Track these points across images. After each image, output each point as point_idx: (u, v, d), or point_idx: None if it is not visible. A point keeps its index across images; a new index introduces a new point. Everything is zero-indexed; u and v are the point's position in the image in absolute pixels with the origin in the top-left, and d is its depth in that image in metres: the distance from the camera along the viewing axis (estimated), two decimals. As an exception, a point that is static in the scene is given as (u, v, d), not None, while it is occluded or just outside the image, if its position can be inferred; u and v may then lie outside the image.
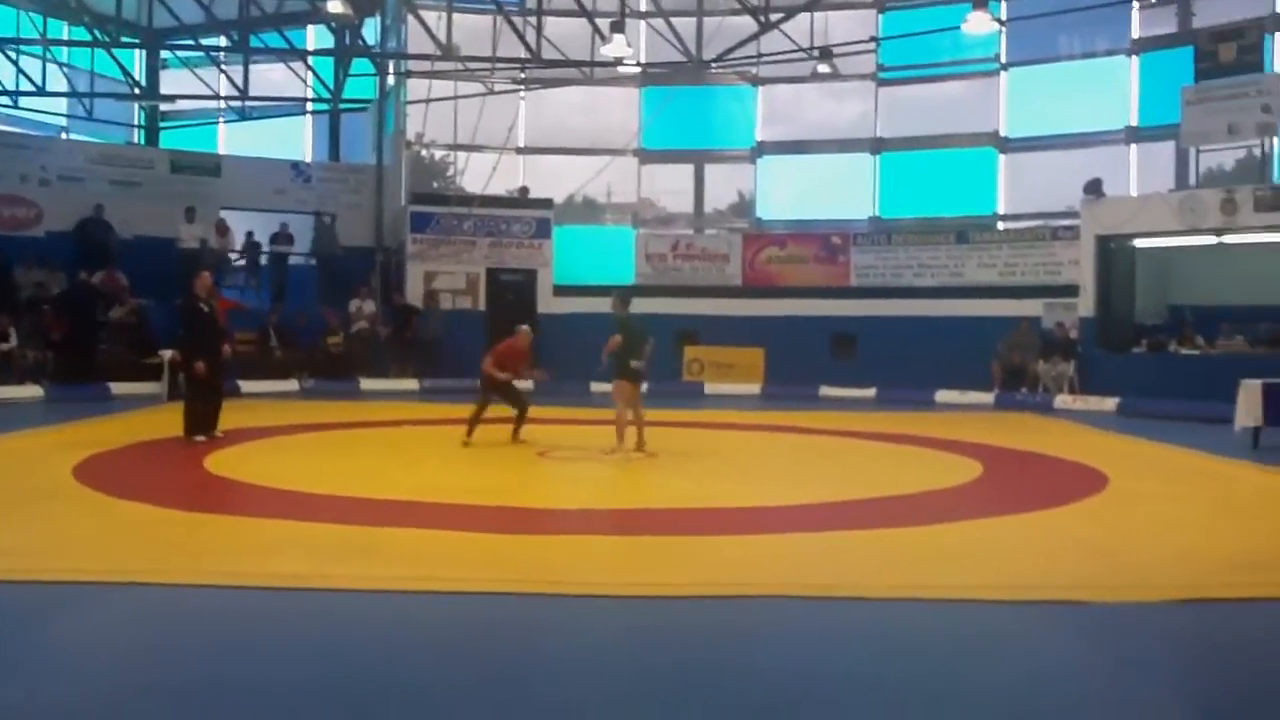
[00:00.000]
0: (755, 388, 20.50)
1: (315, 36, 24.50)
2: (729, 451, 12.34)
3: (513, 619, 5.23)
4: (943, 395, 18.76)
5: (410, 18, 22.00)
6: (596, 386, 16.80)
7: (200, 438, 11.51)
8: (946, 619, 5.35)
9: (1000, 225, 22.47)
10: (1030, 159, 22.91)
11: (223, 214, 21.68)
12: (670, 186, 25.53)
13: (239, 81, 23.32)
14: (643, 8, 23.26)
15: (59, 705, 4.04)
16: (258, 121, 25.31)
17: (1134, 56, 21.38)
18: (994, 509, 8.20)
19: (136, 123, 25.30)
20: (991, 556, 6.69)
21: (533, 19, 21.17)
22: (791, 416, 15.78)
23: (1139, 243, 19.17)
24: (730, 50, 21.42)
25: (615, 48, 19.26)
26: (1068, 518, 8.02)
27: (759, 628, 5.17)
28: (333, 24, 22.69)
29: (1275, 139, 18.36)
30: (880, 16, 23.50)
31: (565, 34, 21.68)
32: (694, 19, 23.26)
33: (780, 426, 14.78)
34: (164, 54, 24.53)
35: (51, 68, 22.60)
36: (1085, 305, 19.02)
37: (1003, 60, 22.70)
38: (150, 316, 18.72)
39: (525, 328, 12.57)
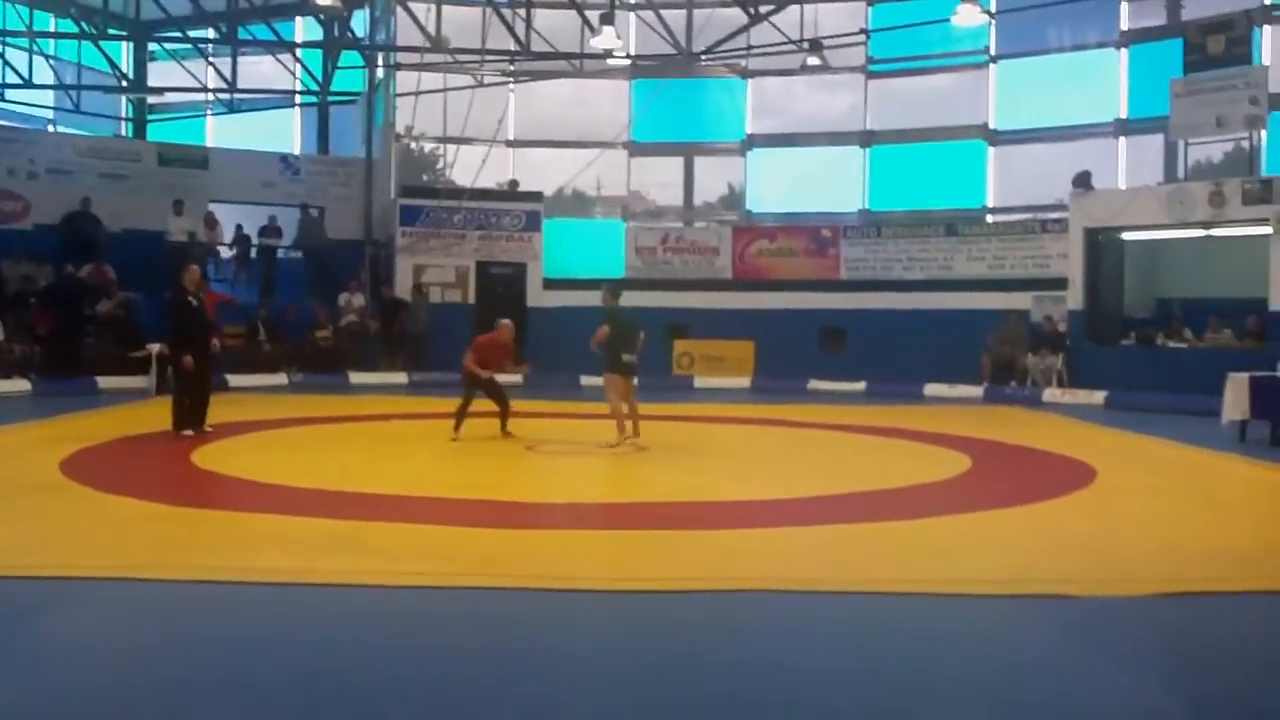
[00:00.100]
0: (745, 381, 20.51)
1: (304, 28, 24.42)
2: (718, 445, 12.35)
3: (501, 614, 5.22)
4: (932, 389, 18.81)
5: (399, 10, 21.96)
6: (586, 380, 16.83)
7: (188, 432, 11.48)
8: (934, 613, 5.36)
9: (989, 218, 22.50)
10: (1019, 151, 22.93)
11: (211, 207, 21.60)
12: (660, 179, 25.52)
13: (227, 74, 23.27)
14: (632, 0, 23.23)
15: (47, 701, 4.03)
16: (246, 114, 25.25)
17: (1123, 49, 21.42)
18: (982, 503, 8.22)
19: (124, 115, 25.22)
20: (980, 550, 6.71)
21: (522, 11, 21.11)
22: (781, 410, 15.79)
23: (1127, 235, 19.21)
24: (720, 42, 21.40)
25: (605, 40, 19.24)
26: (1056, 511, 8.04)
27: (747, 622, 5.18)
28: (321, 16, 22.63)
29: (1263, 131, 18.40)
30: (870, 9, 23.46)
31: (554, 26, 21.63)
32: (683, 11, 23.24)
33: (770, 420, 14.79)
34: (151, 46, 24.42)
35: (38, 60, 22.53)
36: (1074, 298, 19.06)
37: (992, 53, 22.71)
38: (138, 310, 18.66)
39: (507, 322, 12.48)
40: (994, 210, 22.76)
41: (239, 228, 22.03)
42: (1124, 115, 21.46)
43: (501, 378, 12.40)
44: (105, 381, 16.92)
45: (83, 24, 22.45)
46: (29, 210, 20.36)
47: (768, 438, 13.46)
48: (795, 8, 21.28)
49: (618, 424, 11.14)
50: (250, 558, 6.23)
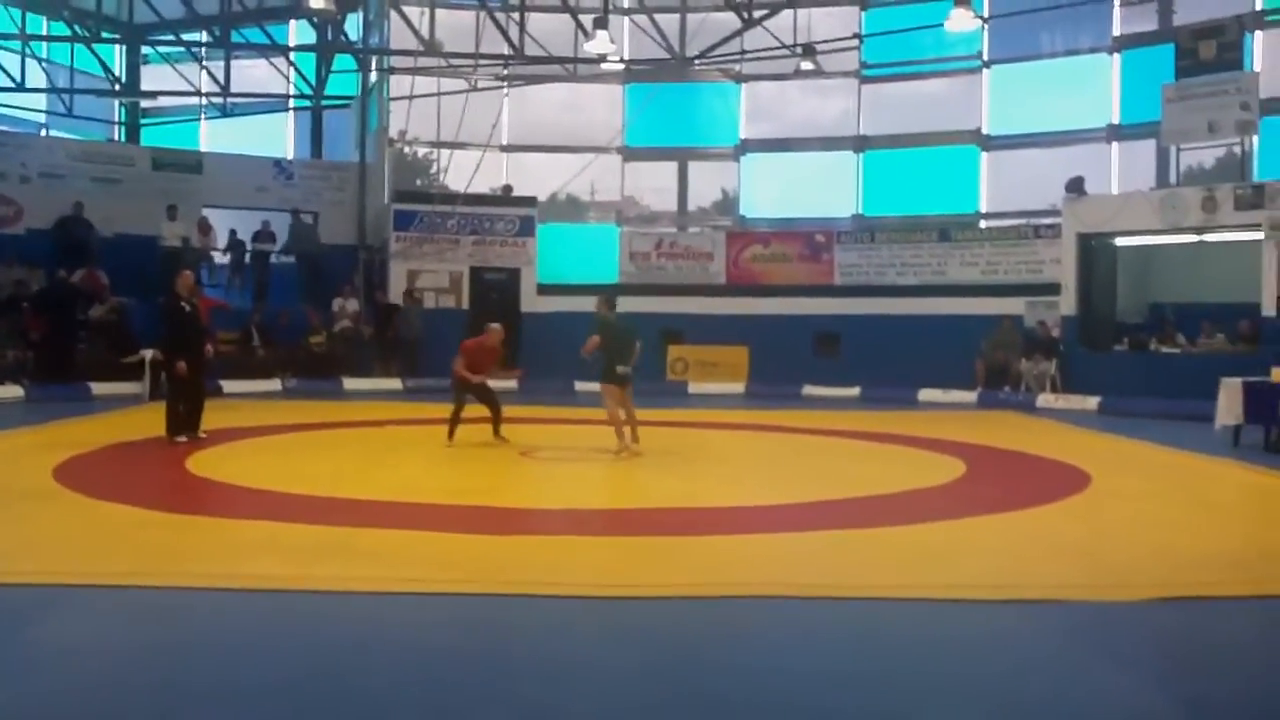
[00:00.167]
0: (739, 387, 20.51)
1: (297, 32, 24.40)
2: (713, 451, 12.34)
3: (496, 620, 5.21)
4: (926, 394, 18.81)
5: (393, 13, 21.95)
6: (580, 385, 16.81)
7: (182, 438, 11.44)
8: (929, 618, 5.36)
9: (982, 223, 22.54)
10: (1012, 157, 22.99)
11: (205, 212, 21.54)
12: (654, 184, 25.53)
13: (221, 78, 23.23)
14: (626, 4, 23.26)
15: (39, 707, 4.01)
16: (240, 118, 25.18)
17: (1115, 54, 21.48)
18: (977, 508, 8.23)
19: (117, 119, 25.15)
20: (974, 555, 6.71)
21: (516, 15, 21.10)
22: (776, 415, 15.79)
23: (1120, 241, 19.25)
24: (714, 47, 21.43)
25: (599, 44, 19.22)
26: (1050, 517, 8.06)
27: (742, 627, 5.17)
28: (315, 19, 22.59)
29: (1255, 137, 18.47)
30: (863, 14, 23.53)
31: (548, 30, 21.64)
32: (677, 15, 23.25)
33: (764, 426, 14.80)
34: (145, 50, 24.34)
35: (31, 63, 22.44)
36: (1067, 304, 19.09)
37: (985, 58, 22.77)
38: (131, 315, 18.60)
39: (496, 326, 12.46)
40: (987, 215, 22.80)
41: (233, 233, 21.98)
42: (1116, 120, 21.51)
43: (494, 383, 12.39)
44: (98, 387, 16.85)
45: (75, 27, 22.41)
46: (21, 215, 20.27)
47: (762, 443, 13.47)
48: (789, 12, 21.32)
49: (616, 431, 11.13)
50: (243, 564, 6.21)
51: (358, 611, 5.31)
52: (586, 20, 19.69)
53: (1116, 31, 21.46)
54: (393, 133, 23.81)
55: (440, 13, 21.30)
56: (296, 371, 19.56)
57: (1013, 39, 22.37)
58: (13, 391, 16.18)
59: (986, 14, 21.94)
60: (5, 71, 21.79)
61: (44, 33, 22.69)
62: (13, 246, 19.36)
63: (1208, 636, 5.19)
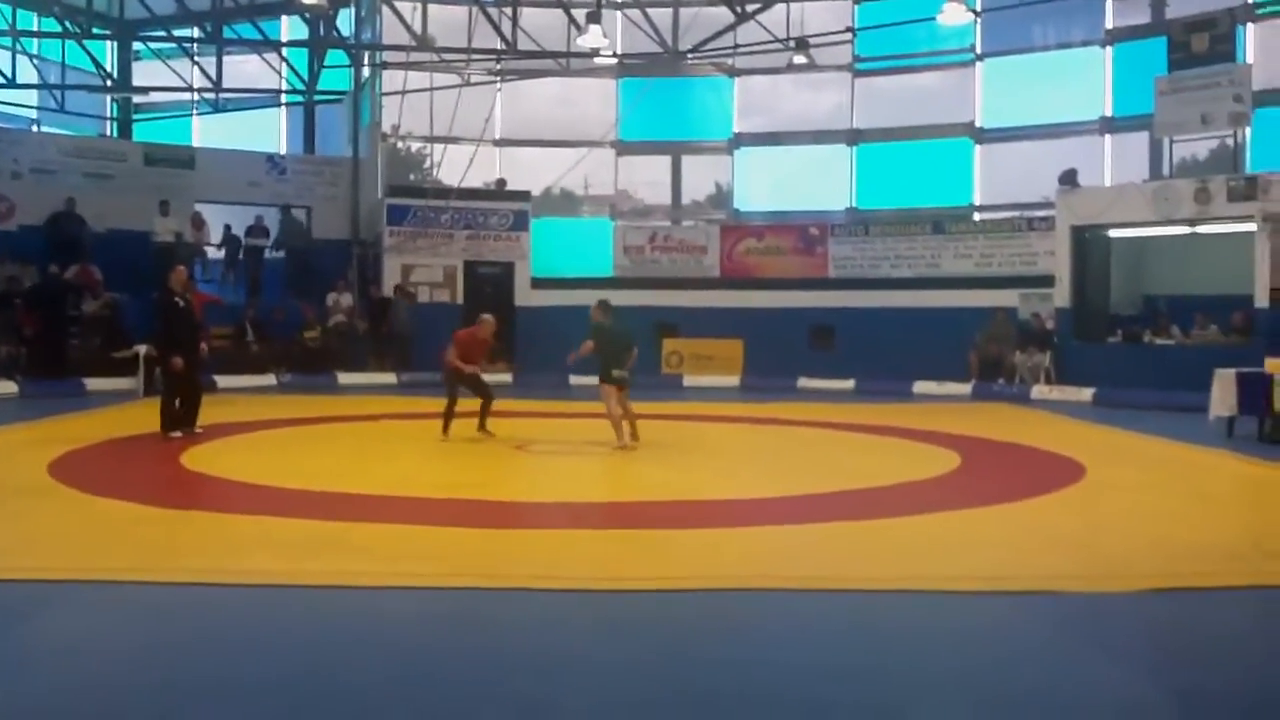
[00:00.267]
0: (734, 380, 20.50)
1: (289, 27, 24.34)
2: (707, 444, 12.36)
3: (490, 614, 5.21)
4: (920, 386, 18.83)
5: (385, 8, 21.92)
6: (575, 379, 16.81)
7: (177, 433, 11.44)
8: (924, 609, 5.38)
9: (976, 216, 22.56)
10: (1005, 149, 22.99)
11: (198, 207, 21.49)
12: (648, 178, 25.48)
13: (212, 73, 23.18)
14: (618, -1, 23.23)
15: (35, 704, 4.01)
16: (232, 113, 25.15)
17: (1108, 47, 21.49)
18: (972, 500, 8.24)
19: (109, 115, 25.09)
20: (970, 547, 6.73)
21: (508, 10, 21.09)
22: (771, 408, 15.79)
23: (1114, 233, 19.28)
24: (706, 41, 21.41)
25: (591, 38, 19.20)
26: (1045, 508, 8.08)
27: (737, 620, 5.19)
28: (307, 15, 22.55)
29: (1247, 129, 18.50)
30: (856, 7, 23.51)
31: (541, 25, 21.61)
32: (670, 9, 23.22)
33: (759, 418, 14.81)
34: (136, 45, 24.30)
35: (22, 59, 22.39)
36: (1061, 296, 19.12)
37: (978, 51, 22.77)
38: (124, 311, 18.57)
39: (488, 317, 12.45)
40: (981, 208, 22.81)
41: (227, 228, 21.94)
42: (1109, 113, 21.53)
43: (488, 377, 12.39)
44: (92, 383, 16.83)
45: (67, 23, 22.32)
46: (13, 211, 20.22)
47: (757, 436, 13.48)
48: (781, 6, 21.29)
49: (615, 429, 11.13)
50: (238, 559, 6.21)
51: (352, 606, 5.31)
52: (579, 14, 19.68)
53: (1109, 24, 21.47)
54: (385, 127, 23.75)
55: (432, 7, 21.32)
56: (291, 366, 19.54)
57: (1005, 32, 22.37)
58: (6, 387, 16.15)
59: (979, 7, 21.93)
60: (-4, 67, 21.76)
61: (35, 29, 22.62)
62: (5, 243, 19.31)
63: (1201, 627, 5.21)
